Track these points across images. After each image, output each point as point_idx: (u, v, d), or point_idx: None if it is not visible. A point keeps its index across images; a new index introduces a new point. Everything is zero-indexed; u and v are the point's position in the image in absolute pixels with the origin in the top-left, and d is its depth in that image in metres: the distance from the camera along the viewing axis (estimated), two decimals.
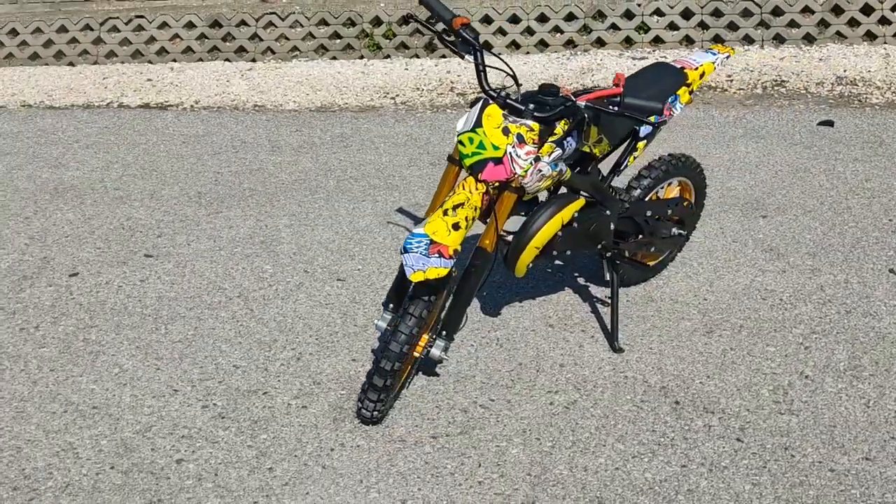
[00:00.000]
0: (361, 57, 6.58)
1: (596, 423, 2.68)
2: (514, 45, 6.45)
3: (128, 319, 3.34)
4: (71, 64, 6.79)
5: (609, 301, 3.11)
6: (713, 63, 3.09)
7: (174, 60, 6.72)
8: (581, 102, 2.39)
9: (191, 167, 4.80)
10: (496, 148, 2.42)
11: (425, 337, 2.62)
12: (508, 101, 2.46)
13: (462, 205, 2.48)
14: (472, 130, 2.45)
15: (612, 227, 2.89)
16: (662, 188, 3.21)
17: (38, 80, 6.52)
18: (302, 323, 3.27)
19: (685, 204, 3.20)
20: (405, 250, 2.38)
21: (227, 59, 6.67)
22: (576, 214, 2.71)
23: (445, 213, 2.45)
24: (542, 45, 6.44)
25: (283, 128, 5.38)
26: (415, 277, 2.36)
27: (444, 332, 2.63)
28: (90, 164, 4.92)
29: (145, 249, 3.88)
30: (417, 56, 6.54)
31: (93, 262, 3.79)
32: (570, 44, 6.41)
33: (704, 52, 3.20)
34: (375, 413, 2.59)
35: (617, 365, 2.95)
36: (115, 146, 5.17)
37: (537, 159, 2.44)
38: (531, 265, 2.70)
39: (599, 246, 2.92)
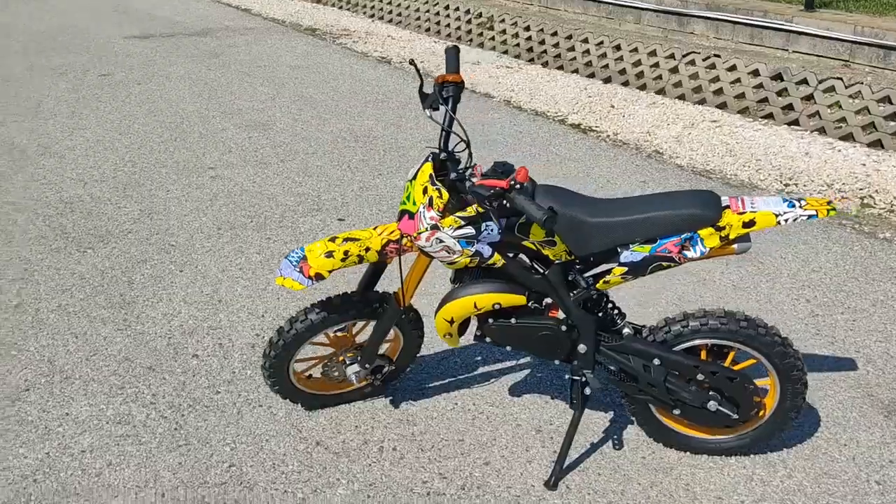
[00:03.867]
0: None
1: None
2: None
3: None
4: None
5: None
6: (777, 216, 2.33)
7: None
8: (477, 184, 2.26)
9: None
10: (414, 203, 2.45)
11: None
12: (440, 161, 2.44)
13: (355, 240, 2.53)
14: (410, 181, 2.51)
15: (580, 347, 2.59)
16: (717, 349, 2.62)
17: None
18: None
19: (745, 385, 2.54)
20: (286, 257, 2.59)
21: None
22: (511, 310, 2.61)
23: (333, 240, 2.55)
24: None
25: None
26: (277, 281, 2.55)
27: (359, 358, 2.83)
28: None
29: None
30: None
31: None
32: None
33: (781, 199, 2.39)
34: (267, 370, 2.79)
35: None
36: None
37: (436, 227, 2.41)
38: (454, 336, 2.68)
39: (574, 362, 2.64)
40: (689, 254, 2.38)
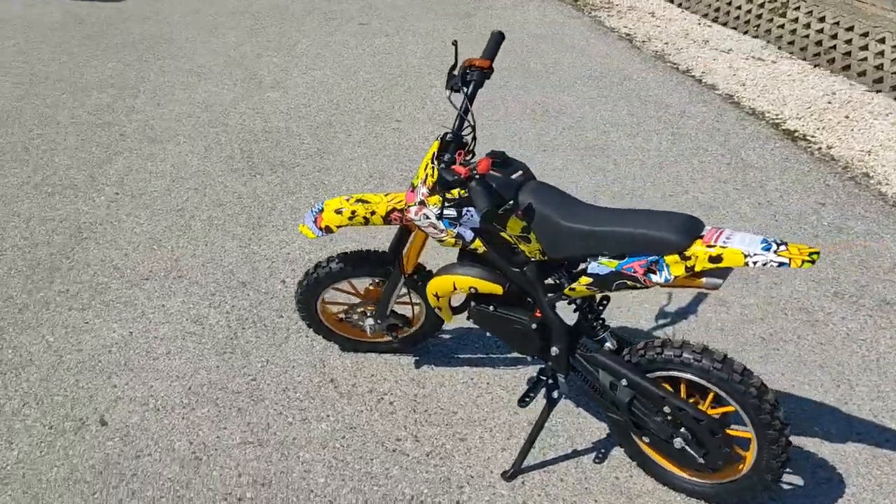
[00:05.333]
0: None
1: None
2: None
3: None
4: None
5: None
6: (746, 256, 2.11)
7: None
8: (446, 169, 2.29)
9: None
10: (417, 178, 2.59)
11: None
12: (446, 142, 2.53)
13: (365, 203, 2.68)
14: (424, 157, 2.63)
15: (552, 349, 2.57)
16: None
17: None
18: None
19: (714, 430, 2.37)
20: (312, 208, 2.85)
21: None
22: (493, 297, 2.66)
23: (348, 198, 2.73)
24: None
25: None
26: (299, 227, 2.82)
27: (374, 312, 3.06)
28: None
29: None
30: None
31: None
32: None
33: (761, 240, 2.15)
34: (297, 304, 3.08)
35: None
36: None
37: (423, 203, 2.54)
38: (443, 310, 2.81)
39: (548, 359, 2.64)
40: (655, 278, 2.25)
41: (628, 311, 3.48)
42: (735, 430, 2.42)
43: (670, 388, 2.44)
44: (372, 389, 3.03)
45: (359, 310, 3.06)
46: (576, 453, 2.77)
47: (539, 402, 2.90)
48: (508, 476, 2.67)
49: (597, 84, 6.33)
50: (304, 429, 2.85)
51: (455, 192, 2.48)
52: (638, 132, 5.41)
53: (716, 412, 2.40)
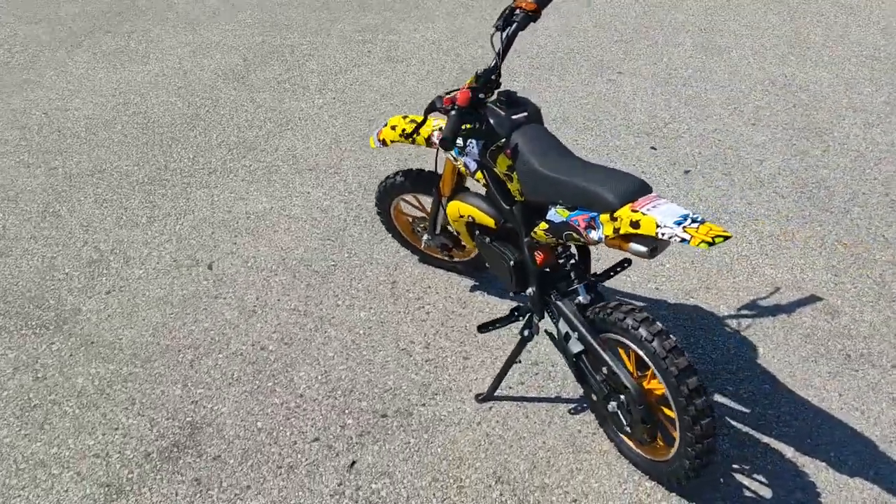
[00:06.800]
0: None
1: None
2: None
3: None
4: None
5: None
6: (658, 227, 2.06)
7: None
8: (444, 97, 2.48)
9: None
10: None
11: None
12: (478, 73, 2.61)
13: (414, 122, 2.93)
14: None
15: (528, 289, 2.64)
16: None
17: None
18: None
19: (636, 401, 2.32)
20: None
21: None
22: (487, 229, 2.82)
23: (405, 117, 2.99)
24: None
25: None
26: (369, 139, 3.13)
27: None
28: None
29: None
30: None
31: None
32: None
33: (682, 213, 2.09)
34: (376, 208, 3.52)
35: None
36: None
37: (440, 130, 2.71)
38: (462, 234, 3.00)
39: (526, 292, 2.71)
40: (592, 234, 2.24)
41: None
42: (670, 410, 2.34)
43: (623, 354, 2.41)
44: (419, 297, 3.32)
45: (420, 224, 3.35)
46: (558, 399, 2.83)
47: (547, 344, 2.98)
48: (481, 399, 2.83)
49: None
50: (345, 312, 3.25)
51: (467, 125, 2.64)
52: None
53: (658, 388, 2.34)
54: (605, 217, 2.20)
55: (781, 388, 2.87)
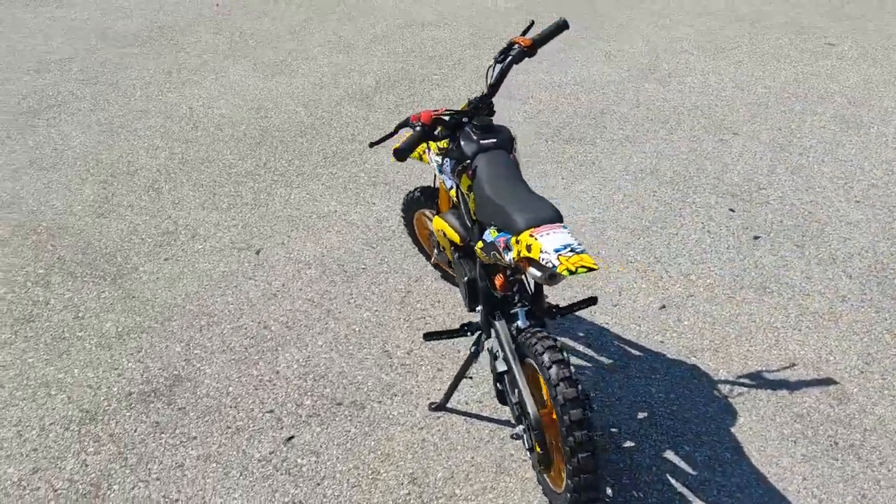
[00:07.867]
0: None
1: None
2: None
3: None
4: None
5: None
6: (541, 253, 2.14)
7: None
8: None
9: None
10: None
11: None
12: (470, 100, 2.77)
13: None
14: None
15: (477, 307, 2.75)
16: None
17: None
18: None
19: (532, 429, 2.36)
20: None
21: None
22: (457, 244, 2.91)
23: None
24: None
25: None
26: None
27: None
28: None
29: None
30: None
31: None
32: None
33: (567, 243, 2.14)
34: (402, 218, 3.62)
35: None
36: None
37: (429, 148, 2.88)
38: (446, 249, 3.08)
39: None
40: (507, 256, 2.30)
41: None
42: None
43: (543, 381, 2.43)
44: (425, 309, 3.47)
45: (433, 237, 3.50)
46: (507, 423, 2.86)
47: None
48: (434, 407, 2.92)
49: None
50: (351, 310, 3.46)
51: (445, 142, 2.79)
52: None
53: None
54: (513, 240, 2.27)
55: (743, 460, 2.72)
